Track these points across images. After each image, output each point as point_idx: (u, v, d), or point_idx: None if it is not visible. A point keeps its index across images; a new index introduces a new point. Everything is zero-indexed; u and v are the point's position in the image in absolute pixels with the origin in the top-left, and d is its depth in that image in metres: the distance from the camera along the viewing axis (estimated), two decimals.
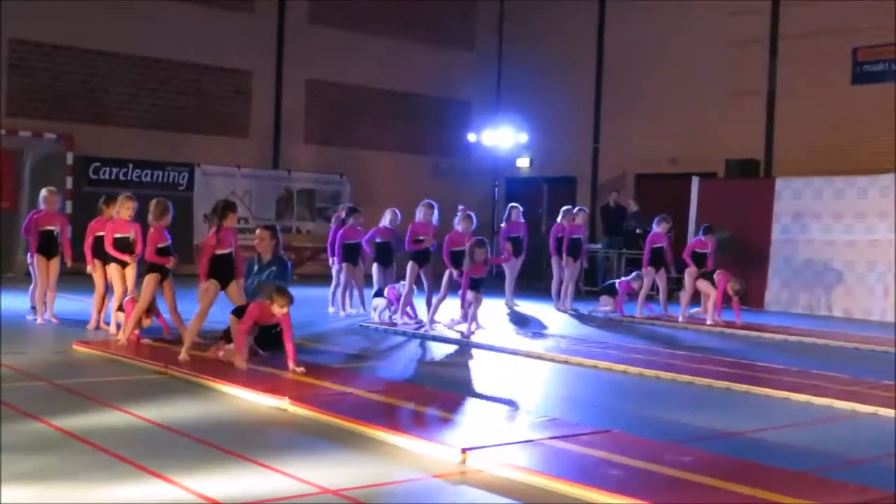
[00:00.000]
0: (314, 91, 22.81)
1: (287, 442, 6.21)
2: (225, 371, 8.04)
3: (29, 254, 11.90)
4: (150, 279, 9.85)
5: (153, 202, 10.10)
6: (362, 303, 13.83)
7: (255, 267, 9.60)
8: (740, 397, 8.31)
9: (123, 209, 10.74)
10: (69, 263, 11.79)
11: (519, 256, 15.49)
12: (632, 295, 14.81)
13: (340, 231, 13.71)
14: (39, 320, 11.57)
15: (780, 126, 19.63)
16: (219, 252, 8.98)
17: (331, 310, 13.90)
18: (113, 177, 19.55)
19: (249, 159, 21.68)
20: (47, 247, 11.57)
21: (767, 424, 7.11)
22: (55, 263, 11.61)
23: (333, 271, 13.97)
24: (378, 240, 13.34)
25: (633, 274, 15.13)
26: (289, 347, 8.25)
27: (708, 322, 13.82)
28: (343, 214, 13.98)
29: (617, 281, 15.38)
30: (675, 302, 15.37)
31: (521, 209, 15.78)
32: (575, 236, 15.29)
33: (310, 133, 22.86)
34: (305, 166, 22.39)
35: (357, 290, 13.97)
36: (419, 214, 12.78)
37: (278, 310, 8.18)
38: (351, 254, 13.54)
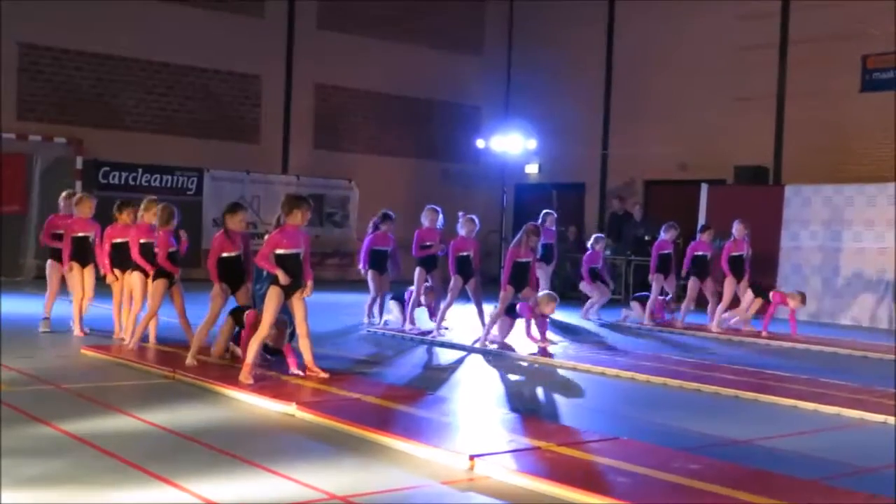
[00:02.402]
0: (323, 96, 22.87)
1: (294, 447, 6.21)
2: (232, 376, 8.04)
3: (57, 261, 11.09)
4: (158, 285, 9.81)
5: (159, 207, 10.06)
6: (380, 311, 13.26)
7: (265, 272, 9.59)
8: (748, 405, 8.29)
9: (149, 214, 10.23)
10: (102, 272, 10.94)
11: (550, 263, 15.20)
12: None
13: (369, 237, 13.11)
14: (77, 332, 10.92)
15: (790, 133, 19.60)
16: (225, 255, 8.96)
17: (365, 320, 13.26)
18: (122, 181, 19.64)
19: (258, 164, 21.72)
20: (82, 254, 10.90)
21: (775, 432, 7.09)
22: (90, 271, 10.94)
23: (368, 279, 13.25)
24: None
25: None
26: (309, 271, 8.41)
27: (714, 329, 13.77)
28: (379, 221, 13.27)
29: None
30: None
31: (556, 216, 15.36)
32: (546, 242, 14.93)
33: (319, 138, 22.91)
34: (314, 171, 22.43)
35: (382, 299, 13.24)
36: (425, 220, 12.72)
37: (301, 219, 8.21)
38: (378, 261, 12.97)
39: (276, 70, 22.20)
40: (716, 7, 20.60)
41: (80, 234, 10.92)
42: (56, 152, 19.11)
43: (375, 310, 13.20)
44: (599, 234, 15.42)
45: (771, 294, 13.73)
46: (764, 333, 13.34)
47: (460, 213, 12.42)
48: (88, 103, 19.82)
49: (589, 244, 15.28)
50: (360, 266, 13.24)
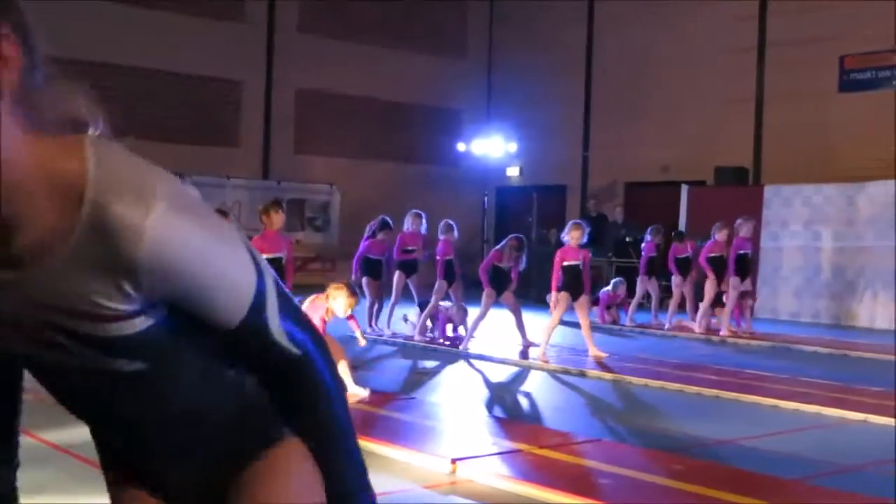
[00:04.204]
0: (304, 100, 22.82)
1: None
2: None
3: None
4: None
5: None
6: (384, 317, 13.00)
7: None
8: (730, 405, 8.32)
9: None
10: None
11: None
12: (620, 304, 14.93)
13: (365, 243, 12.85)
14: None
15: (769, 134, 19.71)
16: None
17: (368, 329, 12.63)
18: None
19: (239, 169, 21.66)
20: None
21: (757, 432, 7.11)
22: None
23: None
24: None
25: (612, 283, 15.22)
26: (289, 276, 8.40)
27: (697, 330, 13.81)
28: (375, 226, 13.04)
29: (599, 292, 15.33)
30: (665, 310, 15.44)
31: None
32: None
33: (300, 143, 22.87)
34: (296, 176, 22.39)
35: (379, 305, 12.97)
36: (407, 224, 12.72)
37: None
38: (372, 268, 12.76)
39: (256, 74, 22.15)
40: (694, 10, 20.69)
41: None
42: None
43: (380, 316, 12.93)
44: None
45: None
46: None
47: (441, 224, 12.38)
48: None
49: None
50: (354, 273, 12.86)
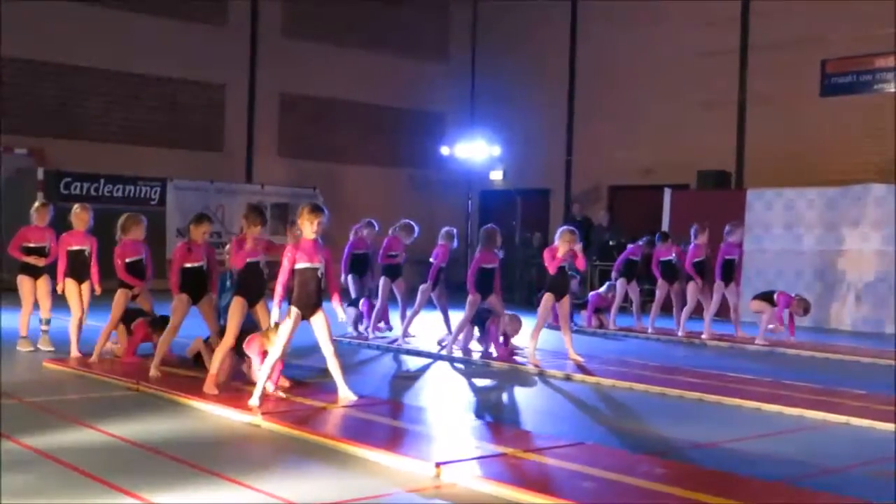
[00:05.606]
0: (287, 104, 22.81)
1: (260, 458, 6.19)
2: (197, 387, 7.99)
3: (29, 276, 10.57)
4: (120, 294, 9.72)
5: (123, 216, 9.96)
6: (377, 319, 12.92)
7: (228, 283, 9.57)
8: (712, 408, 8.35)
9: (78, 220, 10.20)
10: (98, 289, 10.36)
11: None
12: (607, 307, 14.95)
13: (351, 240, 13.02)
14: (74, 352, 10.10)
15: (751, 137, 19.79)
16: (188, 265, 8.91)
17: (349, 329, 12.79)
18: (84, 192, 19.42)
19: (222, 173, 21.60)
20: (79, 270, 10.22)
21: (740, 435, 7.15)
22: (87, 288, 10.29)
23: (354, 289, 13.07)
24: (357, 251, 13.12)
25: (605, 286, 15.29)
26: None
27: (678, 334, 13.82)
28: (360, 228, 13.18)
29: (589, 294, 15.42)
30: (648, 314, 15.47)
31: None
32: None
33: (283, 146, 22.85)
34: (279, 180, 22.34)
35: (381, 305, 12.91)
36: (396, 231, 12.68)
37: None
38: (358, 264, 12.96)
39: (239, 78, 22.11)
40: (677, 13, 20.77)
41: (76, 248, 10.27)
42: (17, 163, 18.89)
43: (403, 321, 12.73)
44: None
45: (776, 296, 13.39)
46: (792, 339, 13.25)
47: (443, 230, 12.35)
48: (50, 113, 19.64)
49: None
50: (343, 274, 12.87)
